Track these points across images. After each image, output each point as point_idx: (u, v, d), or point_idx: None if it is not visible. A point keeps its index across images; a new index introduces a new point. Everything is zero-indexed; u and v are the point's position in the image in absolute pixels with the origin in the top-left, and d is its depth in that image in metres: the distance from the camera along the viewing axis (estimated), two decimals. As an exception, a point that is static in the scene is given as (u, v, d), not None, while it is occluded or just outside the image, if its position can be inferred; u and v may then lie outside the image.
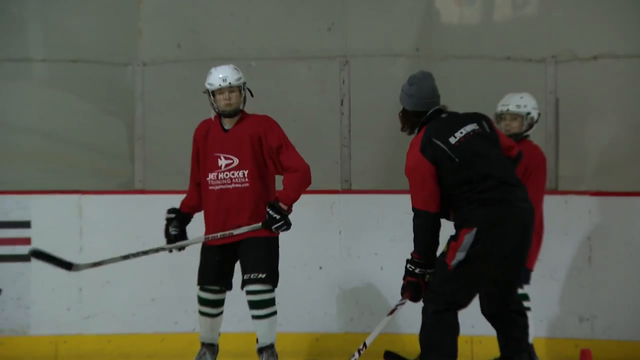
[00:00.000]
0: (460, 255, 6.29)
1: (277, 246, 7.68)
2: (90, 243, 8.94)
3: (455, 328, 6.45)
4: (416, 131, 6.63)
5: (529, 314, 7.79)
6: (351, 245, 8.65)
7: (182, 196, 8.10)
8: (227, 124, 7.68)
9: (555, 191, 8.84)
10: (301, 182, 7.68)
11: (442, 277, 6.39)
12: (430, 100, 6.62)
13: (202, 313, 7.65)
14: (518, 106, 8.01)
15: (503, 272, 6.44)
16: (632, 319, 8.51)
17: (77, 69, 9.73)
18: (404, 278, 6.54)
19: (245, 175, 7.64)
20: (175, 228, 7.78)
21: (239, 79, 7.76)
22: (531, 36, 9.43)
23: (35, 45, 9.82)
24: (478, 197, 6.37)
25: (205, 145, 7.73)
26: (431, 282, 6.45)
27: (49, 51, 9.79)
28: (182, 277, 8.77)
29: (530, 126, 8.05)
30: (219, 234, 7.57)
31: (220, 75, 7.73)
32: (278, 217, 7.49)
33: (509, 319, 6.60)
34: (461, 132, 6.48)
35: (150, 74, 9.67)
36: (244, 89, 7.79)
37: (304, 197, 7.79)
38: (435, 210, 6.42)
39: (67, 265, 7.47)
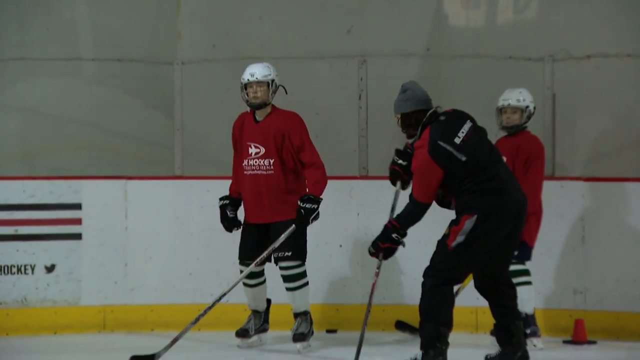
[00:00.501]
0: (460, 238, 6.38)
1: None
2: (134, 223, 8.93)
3: (451, 300, 6.54)
4: (418, 133, 6.63)
5: (530, 287, 7.97)
6: (368, 225, 8.68)
7: (217, 181, 8.19)
8: (259, 115, 7.79)
9: (552, 177, 8.80)
10: (322, 177, 7.74)
11: (442, 256, 6.46)
12: (427, 99, 6.72)
13: (244, 284, 7.81)
14: (518, 100, 8.07)
15: (497, 254, 6.52)
16: (621, 292, 8.46)
17: (123, 68, 9.78)
18: (382, 242, 6.65)
19: (271, 163, 7.75)
20: (232, 211, 7.90)
21: (267, 75, 7.80)
22: (530, 37, 9.43)
23: (86, 46, 9.79)
24: (478, 188, 6.42)
25: (241, 135, 7.85)
26: (432, 260, 6.49)
27: (98, 51, 9.79)
28: (216, 254, 8.84)
29: (529, 118, 8.10)
30: (263, 255, 7.68)
31: (251, 71, 7.81)
32: (314, 206, 7.58)
33: (501, 291, 6.67)
34: (462, 132, 6.53)
35: (188, 72, 9.61)
36: (272, 85, 7.83)
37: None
38: (429, 202, 6.53)
39: (151, 357, 7.19)
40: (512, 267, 7.80)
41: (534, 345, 7.93)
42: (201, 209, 8.95)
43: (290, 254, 7.71)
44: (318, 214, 7.65)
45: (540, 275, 8.45)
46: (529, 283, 7.93)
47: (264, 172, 7.77)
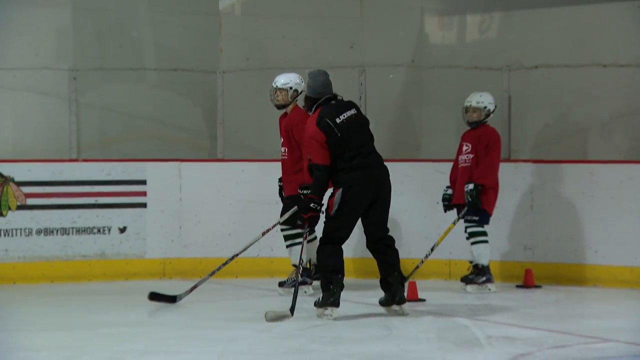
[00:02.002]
0: (335, 206, 6.48)
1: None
2: (186, 195, 8.94)
3: (338, 252, 6.55)
4: (312, 111, 6.63)
5: (486, 244, 7.92)
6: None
7: (250, 163, 8.20)
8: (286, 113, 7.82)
9: (508, 160, 8.81)
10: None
11: (327, 222, 6.56)
12: (321, 90, 6.64)
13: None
14: (477, 102, 8.04)
15: (370, 217, 6.60)
16: (561, 248, 8.46)
17: (177, 75, 9.74)
18: (304, 213, 6.60)
19: (286, 151, 7.76)
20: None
21: (286, 83, 7.74)
22: (491, 52, 9.32)
23: (149, 58, 9.76)
24: (345, 166, 6.51)
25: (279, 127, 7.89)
26: (324, 226, 6.55)
27: (158, 63, 9.75)
28: (249, 220, 8.85)
29: (487, 115, 8.05)
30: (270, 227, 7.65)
31: (275, 80, 7.82)
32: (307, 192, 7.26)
33: (382, 250, 6.69)
34: (344, 115, 6.59)
35: (227, 79, 9.64)
36: (290, 91, 7.74)
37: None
38: (329, 165, 6.51)
39: (172, 299, 7.22)
40: (473, 229, 7.99)
41: (489, 289, 7.93)
42: (237, 184, 9.01)
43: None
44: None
45: (498, 235, 8.43)
46: (486, 242, 7.95)
47: (284, 157, 7.80)
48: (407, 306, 6.77)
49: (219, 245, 8.89)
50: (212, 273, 7.46)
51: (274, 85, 7.81)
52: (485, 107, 8.09)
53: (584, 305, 7.70)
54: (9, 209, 8.56)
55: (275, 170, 8.16)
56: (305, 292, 7.76)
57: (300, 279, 7.68)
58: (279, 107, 7.84)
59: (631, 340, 6.11)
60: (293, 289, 6.92)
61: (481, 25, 9.62)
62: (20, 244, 8.56)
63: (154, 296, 7.22)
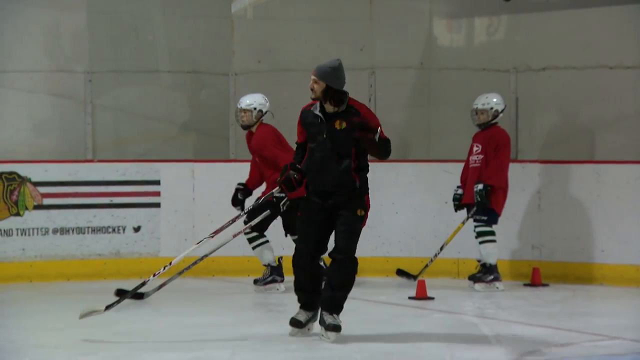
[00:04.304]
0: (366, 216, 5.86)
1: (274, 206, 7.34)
2: (199, 195, 8.92)
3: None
4: (345, 104, 5.76)
5: (494, 244, 7.92)
6: (375, 196, 8.64)
7: None
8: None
9: (515, 160, 8.76)
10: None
11: (357, 236, 5.82)
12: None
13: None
14: (483, 104, 8.04)
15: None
16: (568, 247, 8.46)
17: (190, 78, 9.72)
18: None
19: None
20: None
21: (250, 104, 7.67)
22: (499, 54, 9.34)
23: (163, 61, 9.74)
24: (366, 163, 5.86)
25: None
26: (350, 241, 5.75)
27: (172, 65, 9.72)
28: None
29: (495, 116, 8.04)
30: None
31: (239, 100, 7.79)
32: (282, 195, 6.93)
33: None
34: None
35: (239, 81, 9.62)
36: (255, 111, 7.65)
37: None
38: None
39: (139, 295, 6.76)
40: (482, 229, 7.99)
41: (497, 288, 7.94)
42: None
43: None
44: (288, 201, 7.00)
45: (506, 234, 8.43)
46: (494, 241, 7.95)
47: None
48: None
49: (231, 244, 8.29)
50: (181, 272, 7.28)
51: (239, 106, 7.79)
52: (492, 108, 8.09)
53: (591, 304, 7.70)
54: (26, 208, 8.60)
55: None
56: (278, 289, 7.84)
57: (270, 277, 7.86)
58: (244, 127, 7.80)
59: (637, 337, 6.12)
60: (266, 286, 7.26)
61: (489, 28, 9.61)
62: (37, 243, 8.60)
63: (121, 292, 6.96)
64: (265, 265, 7.90)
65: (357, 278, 8.18)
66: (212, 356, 5.51)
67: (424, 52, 9.60)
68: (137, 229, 8.83)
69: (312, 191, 5.81)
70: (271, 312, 6.61)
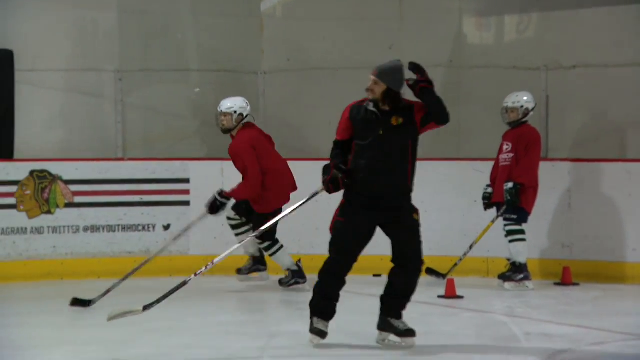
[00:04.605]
0: None
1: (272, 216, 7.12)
2: None
3: None
4: (402, 103, 5.59)
5: (524, 243, 7.89)
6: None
7: (289, 162, 8.00)
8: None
9: (546, 159, 8.71)
10: (243, 188, 7.43)
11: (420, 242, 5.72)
12: None
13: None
14: (513, 102, 7.99)
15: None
16: (599, 246, 8.41)
17: (219, 76, 9.75)
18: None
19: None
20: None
21: (230, 107, 7.48)
22: (529, 52, 9.30)
23: (192, 60, 9.80)
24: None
25: None
26: (418, 248, 5.63)
27: (201, 64, 9.79)
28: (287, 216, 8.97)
29: (525, 115, 7.99)
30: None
31: (220, 104, 7.60)
32: (222, 201, 7.32)
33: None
34: None
35: (268, 80, 9.70)
36: (235, 115, 7.48)
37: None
38: None
39: (87, 303, 6.91)
40: (511, 228, 7.92)
41: (527, 287, 7.91)
42: None
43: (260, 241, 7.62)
44: (224, 206, 7.33)
45: (537, 233, 8.38)
46: (524, 240, 7.91)
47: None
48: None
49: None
50: (124, 278, 7.20)
51: (219, 110, 7.60)
52: (522, 107, 8.04)
53: (622, 303, 7.62)
54: (57, 206, 8.66)
55: (313, 169, 8.06)
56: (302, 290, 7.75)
57: (292, 280, 7.77)
58: (224, 131, 7.64)
59: (669, 337, 6.08)
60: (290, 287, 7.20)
61: (519, 26, 9.60)
62: (68, 240, 8.66)
63: (74, 302, 6.96)
64: (288, 269, 7.83)
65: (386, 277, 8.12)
66: (242, 354, 5.50)
67: (454, 50, 9.59)
68: (167, 227, 8.86)
69: (361, 193, 5.51)
70: (299, 312, 6.59)
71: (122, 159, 9.21)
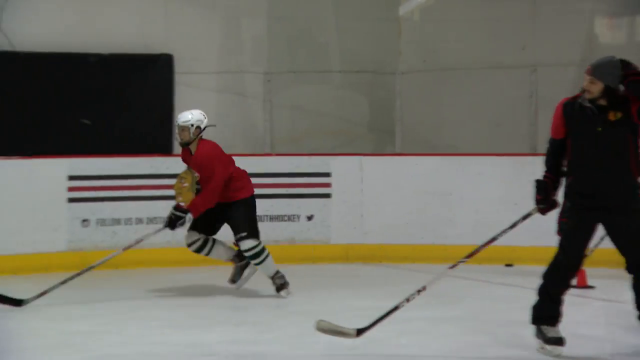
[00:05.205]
0: None
1: (253, 205, 7.07)
2: (367, 187, 8.93)
3: None
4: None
5: None
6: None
7: (424, 157, 8.37)
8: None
9: None
10: (202, 199, 6.93)
11: None
12: None
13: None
14: None
15: None
16: None
17: (359, 77, 9.95)
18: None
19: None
20: None
21: (187, 121, 6.97)
22: None
23: (334, 62, 9.99)
24: None
25: None
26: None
27: (343, 65, 9.98)
28: (422, 209, 8.78)
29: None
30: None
31: (177, 117, 7.12)
32: (181, 215, 6.90)
33: None
34: None
35: (405, 80, 9.84)
36: (192, 128, 6.99)
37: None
38: None
39: (18, 302, 6.58)
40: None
41: None
42: (412, 177, 8.92)
43: (245, 234, 7.02)
44: (181, 219, 6.89)
45: None
46: None
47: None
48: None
49: (396, 233, 8.94)
50: (64, 282, 6.90)
51: (176, 123, 7.09)
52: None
53: None
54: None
55: (446, 164, 8.30)
56: (288, 294, 7.27)
57: (240, 268, 7.33)
58: (183, 145, 7.10)
59: None
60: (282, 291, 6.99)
61: (651, 25, 9.38)
62: (220, 231, 8.92)
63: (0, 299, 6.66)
64: (271, 277, 7.20)
65: (518, 267, 7.98)
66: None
67: (585, 50, 9.47)
68: (310, 218, 9.01)
69: (580, 193, 5.14)
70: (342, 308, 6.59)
71: (269, 154, 9.45)
